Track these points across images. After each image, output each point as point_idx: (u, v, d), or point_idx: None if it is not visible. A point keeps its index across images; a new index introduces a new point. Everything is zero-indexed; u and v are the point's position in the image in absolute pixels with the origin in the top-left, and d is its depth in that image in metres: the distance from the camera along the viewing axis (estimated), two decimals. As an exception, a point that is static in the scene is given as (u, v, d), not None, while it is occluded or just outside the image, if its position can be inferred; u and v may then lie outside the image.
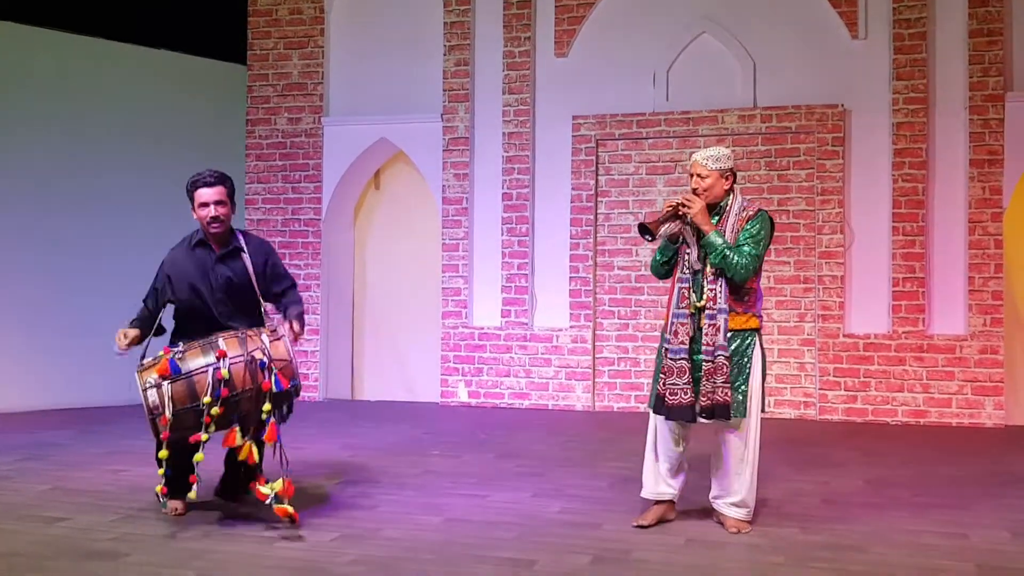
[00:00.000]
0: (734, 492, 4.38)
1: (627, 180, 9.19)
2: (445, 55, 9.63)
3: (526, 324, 9.37)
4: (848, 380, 8.53)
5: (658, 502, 4.56)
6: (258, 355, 4.36)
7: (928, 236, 8.47)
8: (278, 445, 4.36)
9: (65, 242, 8.85)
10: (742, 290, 4.29)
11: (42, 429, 7.46)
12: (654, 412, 4.47)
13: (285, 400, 4.47)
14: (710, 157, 4.31)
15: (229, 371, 4.26)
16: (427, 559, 3.95)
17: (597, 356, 9.19)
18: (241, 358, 4.33)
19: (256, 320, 4.68)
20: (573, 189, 9.27)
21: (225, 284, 4.65)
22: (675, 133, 9.03)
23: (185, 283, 4.66)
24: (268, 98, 10.07)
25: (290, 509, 4.37)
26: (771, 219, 4.39)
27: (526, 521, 4.62)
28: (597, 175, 9.24)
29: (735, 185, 4.39)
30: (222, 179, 4.65)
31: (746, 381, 4.30)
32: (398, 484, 5.52)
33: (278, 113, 10.05)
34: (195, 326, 4.61)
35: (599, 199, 9.24)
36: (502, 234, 9.46)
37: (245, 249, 4.70)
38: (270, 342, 4.44)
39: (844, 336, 8.56)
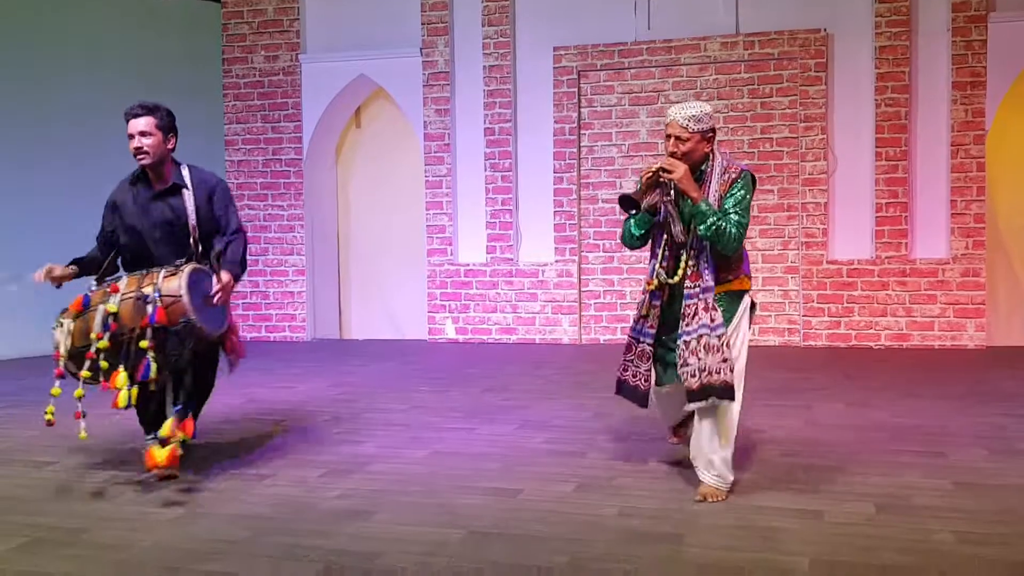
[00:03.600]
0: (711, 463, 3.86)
1: (610, 112, 9.12)
2: (422, -13, 9.48)
3: (511, 260, 9.38)
4: (832, 306, 8.59)
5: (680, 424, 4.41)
6: (148, 290, 4.07)
7: (911, 161, 8.46)
8: (152, 384, 4.05)
9: (45, 188, 8.75)
10: (731, 257, 3.87)
11: (28, 376, 7.48)
12: (615, 392, 4.19)
13: (176, 338, 4.05)
14: (691, 118, 3.78)
15: (119, 306, 4.05)
16: (414, 491, 4.01)
17: (583, 289, 9.23)
18: (133, 294, 4.08)
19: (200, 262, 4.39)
20: (555, 122, 9.20)
21: (162, 223, 4.43)
22: (657, 62, 8.94)
23: (123, 221, 4.49)
24: (244, 36, 9.91)
25: (158, 458, 4.03)
26: (754, 178, 3.92)
27: (512, 452, 4.68)
28: (579, 107, 9.16)
29: (715, 146, 3.90)
30: (151, 110, 4.39)
31: (732, 348, 3.83)
32: (385, 420, 5.57)
33: (254, 51, 9.90)
34: (136, 268, 4.40)
35: (582, 131, 9.18)
36: (485, 170, 9.41)
37: (188, 185, 4.45)
38: (163, 277, 4.11)
39: (827, 263, 8.59)
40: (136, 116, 4.37)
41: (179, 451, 4.10)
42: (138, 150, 4.36)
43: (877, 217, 8.51)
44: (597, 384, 6.65)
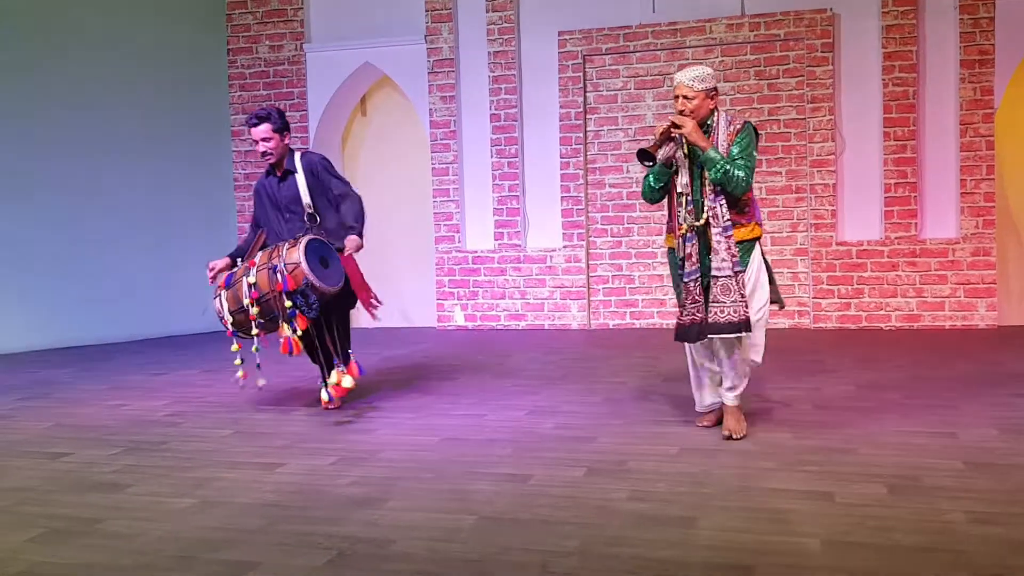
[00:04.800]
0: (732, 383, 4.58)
1: (616, 96, 9.09)
2: (426, -26, 9.44)
3: (519, 246, 9.37)
4: (841, 288, 8.57)
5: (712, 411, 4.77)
6: (275, 262, 5.02)
7: (919, 140, 8.42)
8: (325, 336, 5.25)
9: (55, 181, 8.76)
10: (740, 201, 4.35)
11: (42, 368, 7.52)
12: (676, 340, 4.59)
13: (302, 296, 4.97)
14: (695, 78, 4.32)
15: (255, 277, 5.03)
16: (425, 478, 4.02)
17: (591, 275, 9.22)
18: (265, 266, 5.05)
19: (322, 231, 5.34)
20: (561, 107, 9.18)
21: (287, 204, 5.39)
22: (663, 45, 8.90)
23: (262, 207, 5.50)
24: (248, 26, 9.90)
25: (330, 391, 5.24)
26: (756, 129, 4.46)
27: (522, 438, 4.69)
28: (585, 91, 9.14)
29: (718, 102, 4.46)
30: (266, 117, 5.28)
31: (752, 291, 4.42)
32: (395, 407, 5.59)
33: (259, 41, 9.89)
34: (274, 243, 5.33)
35: (588, 116, 9.16)
36: (491, 156, 9.40)
37: (296, 169, 5.36)
38: (286, 249, 5.04)
39: (837, 244, 8.57)
40: (255, 125, 5.28)
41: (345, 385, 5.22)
42: (264, 154, 5.33)
43: (886, 197, 8.48)
44: (607, 369, 6.66)
